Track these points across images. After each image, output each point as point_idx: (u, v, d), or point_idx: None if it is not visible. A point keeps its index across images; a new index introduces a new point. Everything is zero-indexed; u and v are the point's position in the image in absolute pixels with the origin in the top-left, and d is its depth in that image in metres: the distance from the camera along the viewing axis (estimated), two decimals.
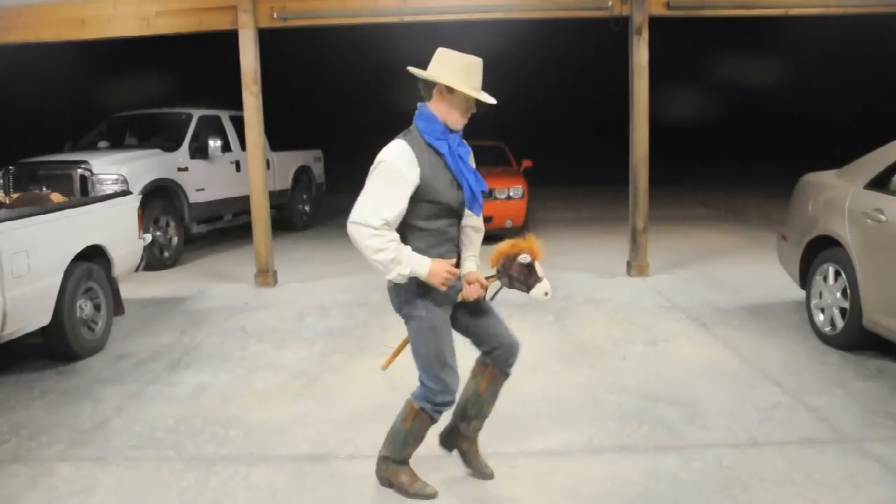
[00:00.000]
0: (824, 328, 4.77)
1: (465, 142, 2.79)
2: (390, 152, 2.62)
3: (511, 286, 2.82)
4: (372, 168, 2.64)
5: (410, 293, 2.72)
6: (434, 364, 2.74)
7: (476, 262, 2.88)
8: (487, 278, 2.82)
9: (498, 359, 2.91)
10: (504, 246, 2.80)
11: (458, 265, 2.82)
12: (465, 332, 2.94)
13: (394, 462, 2.96)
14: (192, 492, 3.02)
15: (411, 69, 2.75)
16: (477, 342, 2.95)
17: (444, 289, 2.63)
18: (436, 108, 2.69)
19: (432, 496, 2.93)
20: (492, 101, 2.71)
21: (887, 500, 2.84)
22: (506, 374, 2.96)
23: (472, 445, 3.09)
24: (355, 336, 5.22)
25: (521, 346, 2.96)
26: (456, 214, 2.77)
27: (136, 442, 3.51)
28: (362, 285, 6.76)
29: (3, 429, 3.69)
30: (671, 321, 5.40)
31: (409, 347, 2.87)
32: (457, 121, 2.70)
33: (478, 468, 3.09)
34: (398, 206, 2.58)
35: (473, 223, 2.88)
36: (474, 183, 2.73)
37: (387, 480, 2.99)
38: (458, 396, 2.86)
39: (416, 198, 2.64)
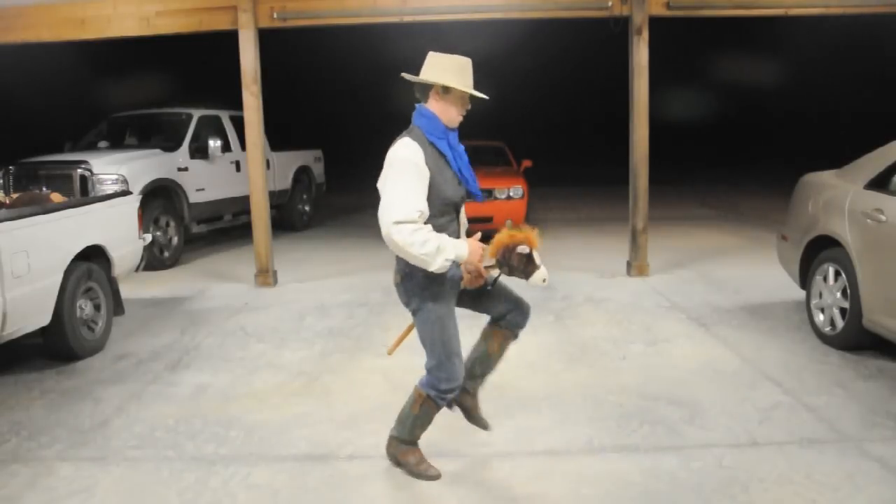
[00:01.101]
0: (824, 328, 4.77)
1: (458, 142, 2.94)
2: (405, 149, 2.70)
3: (511, 274, 2.90)
4: (388, 166, 2.71)
5: (417, 287, 2.81)
6: (440, 353, 2.84)
7: None
8: (486, 268, 2.90)
9: (511, 322, 3.05)
10: (503, 236, 2.87)
11: None
12: (473, 306, 3.05)
13: (403, 442, 3.08)
14: (192, 492, 3.02)
15: (405, 76, 2.87)
16: (486, 311, 3.07)
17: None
18: (433, 107, 2.81)
19: (435, 478, 3.03)
20: (485, 96, 2.85)
21: (887, 500, 2.84)
22: (515, 336, 3.10)
23: (474, 400, 3.22)
24: (355, 336, 5.22)
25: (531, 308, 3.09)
26: (456, 209, 2.90)
27: (136, 442, 3.51)
28: (362, 285, 6.76)
29: (3, 429, 3.69)
30: (671, 321, 5.40)
31: (415, 336, 2.96)
32: (454, 118, 2.84)
33: (477, 420, 3.23)
34: (424, 197, 2.67)
35: (460, 218, 3.05)
36: (472, 184, 2.89)
37: (395, 459, 3.11)
38: (460, 384, 2.94)
39: None
